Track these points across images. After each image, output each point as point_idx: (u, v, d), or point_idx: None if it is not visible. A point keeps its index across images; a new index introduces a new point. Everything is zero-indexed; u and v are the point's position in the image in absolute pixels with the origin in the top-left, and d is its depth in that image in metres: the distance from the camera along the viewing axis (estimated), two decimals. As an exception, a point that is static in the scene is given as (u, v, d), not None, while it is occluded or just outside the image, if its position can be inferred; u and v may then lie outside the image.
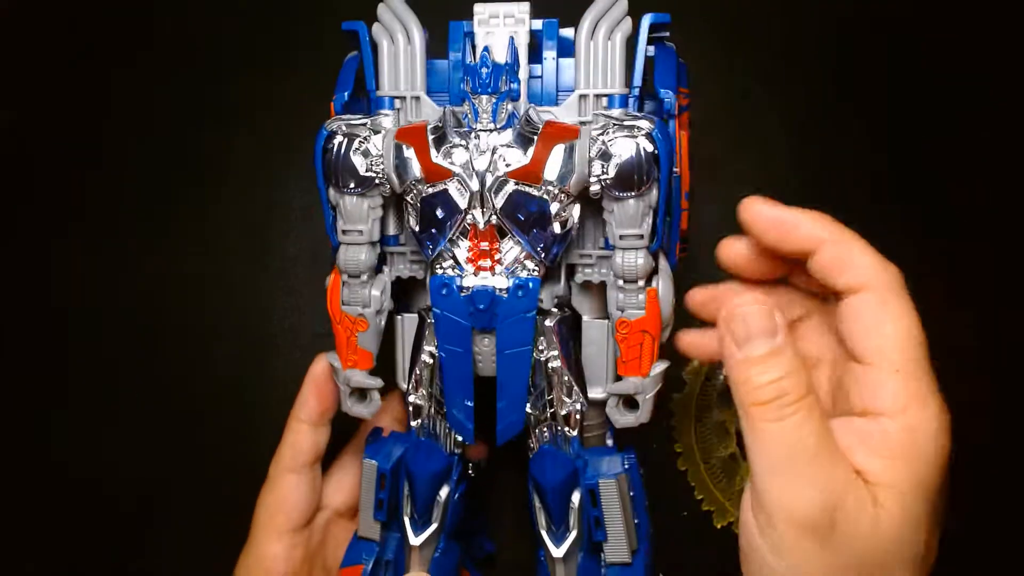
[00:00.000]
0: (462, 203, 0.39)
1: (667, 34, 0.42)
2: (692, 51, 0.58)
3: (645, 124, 0.38)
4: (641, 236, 0.39)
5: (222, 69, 0.58)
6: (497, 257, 0.39)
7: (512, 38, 0.40)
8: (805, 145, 0.57)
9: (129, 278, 0.58)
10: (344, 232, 0.41)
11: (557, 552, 0.42)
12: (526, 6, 0.41)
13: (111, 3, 0.58)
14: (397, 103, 0.42)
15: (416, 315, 0.44)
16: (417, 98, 0.42)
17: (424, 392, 0.42)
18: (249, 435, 0.57)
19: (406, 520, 0.43)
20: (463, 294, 0.39)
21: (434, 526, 0.43)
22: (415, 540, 0.43)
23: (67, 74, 0.59)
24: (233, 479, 0.56)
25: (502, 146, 0.38)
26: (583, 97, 0.41)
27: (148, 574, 0.57)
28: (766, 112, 0.57)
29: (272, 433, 0.56)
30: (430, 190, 0.39)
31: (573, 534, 0.42)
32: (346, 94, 0.42)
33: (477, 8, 0.41)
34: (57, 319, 0.58)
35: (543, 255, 0.39)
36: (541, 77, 0.42)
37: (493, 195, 0.39)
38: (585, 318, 0.43)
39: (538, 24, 0.42)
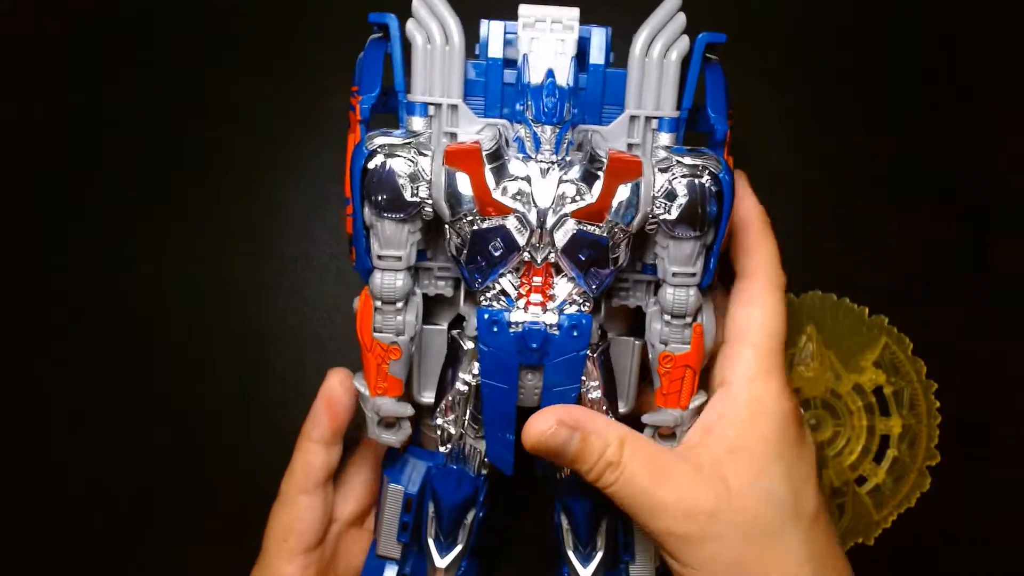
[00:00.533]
0: (521, 240, 0.36)
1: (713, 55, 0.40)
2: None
3: (712, 164, 0.37)
4: (694, 274, 0.38)
5: (222, 67, 0.58)
6: (550, 293, 0.38)
7: (574, 58, 0.36)
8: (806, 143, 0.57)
9: (128, 278, 0.57)
10: (380, 257, 0.38)
11: (585, 573, 0.42)
12: (575, 12, 0.37)
13: (112, 1, 0.58)
14: (431, 110, 0.38)
15: (441, 329, 0.41)
16: (454, 107, 0.38)
17: (455, 417, 0.41)
18: (248, 434, 0.57)
19: (431, 543, 0.42)
20: (512, 330, 0.37)
21: (459, 547, 0.42)
22: (441, 563, 0.42)
23: (67, 73, 0.59)
24: (233, 479, 0.57)
25: (565, 181, 0.36)
26: (634, 119, 0.38)
27: (148, 574, 0.57)
28: (766, 108, 0.57)
29: (271, 432, 0.56)
30: (485, 224, 0.36)
31: (600, 554, 0.42)
32: (375, 95, 0.38)
33: (523, 11, 0.37)
34: (57, 319, 0.58)
35: (595, 291, 0.38)
36: (585, 89, 0.38)
37: (553, 233, 0.36)
38: (610, 334, 0.42)
39: (585, 31, 0.38)
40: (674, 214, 0.37)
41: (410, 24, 0.37)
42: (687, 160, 0.37)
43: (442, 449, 0.41)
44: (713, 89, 0.39)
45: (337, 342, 0.57)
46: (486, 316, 0.37)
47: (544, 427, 0.37)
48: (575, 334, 0.37)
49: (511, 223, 0.36)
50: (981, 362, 0.55)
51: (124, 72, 0.58)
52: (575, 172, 0.36)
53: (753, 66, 0.57)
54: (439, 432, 0.41)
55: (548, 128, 0.35)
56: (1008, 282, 0.56)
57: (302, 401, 0.56)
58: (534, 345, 0.37)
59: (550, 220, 0.36)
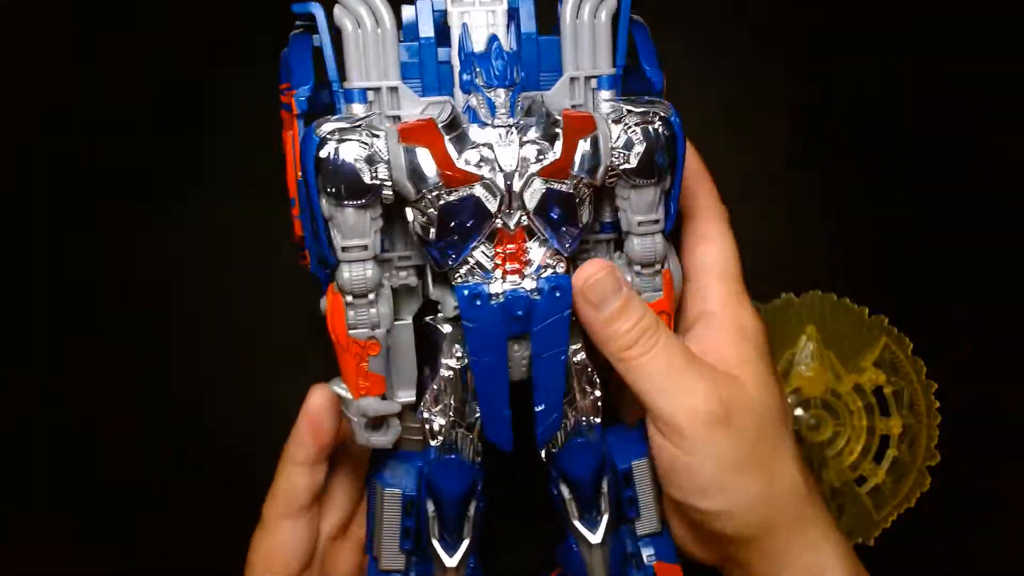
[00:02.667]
0: (492, 207, 0.36)
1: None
2: (692, 51, 0.58)
3: (661, 108, 0.37)
4: (658, 221, 0.39)
5: (222, 67, 0.58)
6: (524, 259, 0.37)
7: (513, 23, 0.37)
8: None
9: (127, 277, 0.57)
10: (345, 249, 0.36)
11: (595, 538, 0.41)
12: None
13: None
14: (370, 95, 0.37)
15: (407, 323, 0.40)
16: (394, 88, 0.37)
17: (442, 407, 0.40)
18: (246, 435, 0.57)
19: (436, 544, 0.41)
20: (494, 301, 0.37)
21: (466, 542, 0.41)
22: (451, 562, 0.41)
23: (66, 73, 0.59)
24: (233, 479, 0.56)
25: (527, 143, 0.36)
26: (574, 80, 0.39)
27: (148, 573, 0.57)
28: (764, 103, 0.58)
29: (269, 434, 0.56)
30: (452, 196, 0.36)
31: (606, 516, 0.41)
32: (309, 86, 0.37)
33: None
34: (57, 318, 0.58)
35: (568, 250, 0.38)
36: (522, 58, 0.38)
37: (523, 195, 0.36)
38: None
39: (513, 2, 0.38)
40: (634, 163, 0.37)
41: (337, 11, 0.37)
42: (637, 108, 0.37)
43: (433, 443, 0.40)
44: (643, 45, 0.40)
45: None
46: (466, 292, 0.37)
47: (594, 269, 0.37)
48: (557, 295, 0.37)
49: (479, 191, 0.36)
50: (981, 362, 0.55)
51: (124, 72, 0.58)
52: (534, 133, 0.36)
53: (753, 64, 0.57)
54: (427, 427, 0.40)
55: (502, 91, 0.35)
56: (1008, 282, 0.56)
57: (301, 401, 0.57)
58: (519, 313, 0.37)
59: (517, 183, 0.36)
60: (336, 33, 0.37)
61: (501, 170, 0.36)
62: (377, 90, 0.37)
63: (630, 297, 0.38)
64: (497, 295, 0.37)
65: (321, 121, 0.36)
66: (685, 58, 0.58)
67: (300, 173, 0.37)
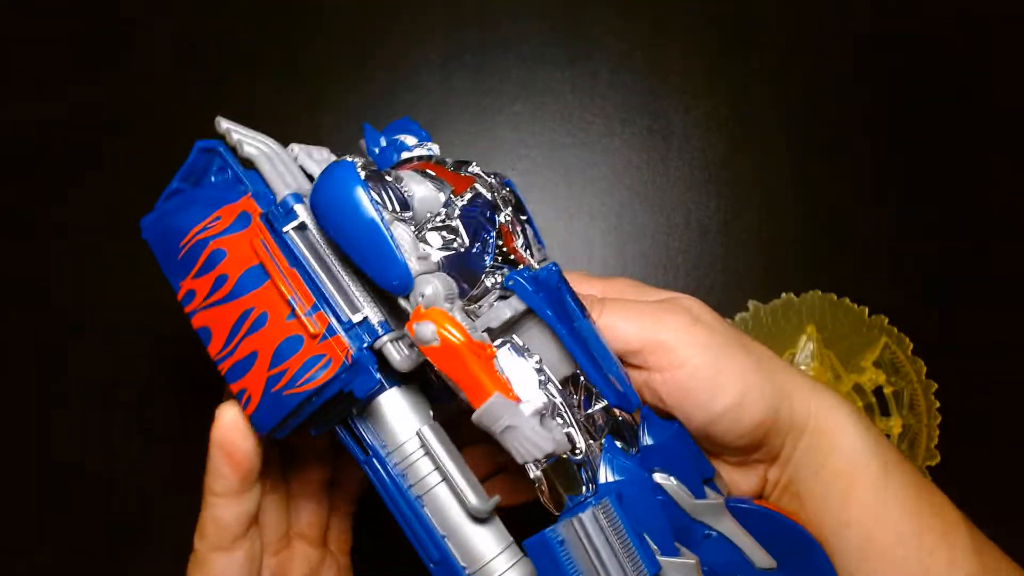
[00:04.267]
0: (494, 197, 0.37)
1: None
2: (691, 50, 0.58)
3: None
4: None
5: (222, 67, 0.58)
6: (522, 243, 0.37)
7: None
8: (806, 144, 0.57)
9: (127, 276, 0.57)
10: (420, 259, 0.35)
11: None
12: None
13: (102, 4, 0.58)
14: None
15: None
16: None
17: (563, 416, 0.35)
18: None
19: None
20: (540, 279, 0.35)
21: None
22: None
23: (65, 73, 0.59)
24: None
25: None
26: None
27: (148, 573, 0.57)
28: (766, 111, 0.58)
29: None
30: (465, 199, 0.36)
31: None
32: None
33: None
34: (57, 318, 0.57)
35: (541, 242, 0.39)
36: None
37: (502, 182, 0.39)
38: None
39: None
40: None
41: (239, 145, 0.38)
42: None
43: (576, 455, 0.34)
44: None
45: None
46: (523, 278, 0.34)
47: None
48: (555, 269, 0.36)
49: (480, 186, 0.37)
50: (981, 362, 0.55)
51: (124, 71, 0.58)
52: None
53: (753, 64, 0.57)
54: (569, 444, 0.34)
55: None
56: (1008, 282, 0.56)
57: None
58: (561, 287, 0.36)
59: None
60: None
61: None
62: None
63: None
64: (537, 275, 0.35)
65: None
66: (690, 61, 0.58)
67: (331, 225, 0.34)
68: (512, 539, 0.35)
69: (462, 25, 0.59)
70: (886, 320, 0.54)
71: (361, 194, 0.33)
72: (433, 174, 0.36)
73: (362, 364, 0.34)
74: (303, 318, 0.34)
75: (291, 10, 0.59)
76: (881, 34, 0.58)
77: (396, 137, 0.40)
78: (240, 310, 0.35)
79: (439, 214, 0.35)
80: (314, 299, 0.35)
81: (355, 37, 0.59)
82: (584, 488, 0.34)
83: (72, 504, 0.55)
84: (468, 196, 0.36)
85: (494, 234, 0.36)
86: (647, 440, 0.36)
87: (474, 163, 0.39)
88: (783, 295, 0.55)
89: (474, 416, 0.32)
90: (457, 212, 0.35)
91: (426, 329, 0.32)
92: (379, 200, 0.34)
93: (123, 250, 0.52)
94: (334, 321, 0.34)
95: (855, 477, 0.38)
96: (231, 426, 0.35)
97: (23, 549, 0.55)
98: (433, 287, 0.33)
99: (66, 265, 0.57)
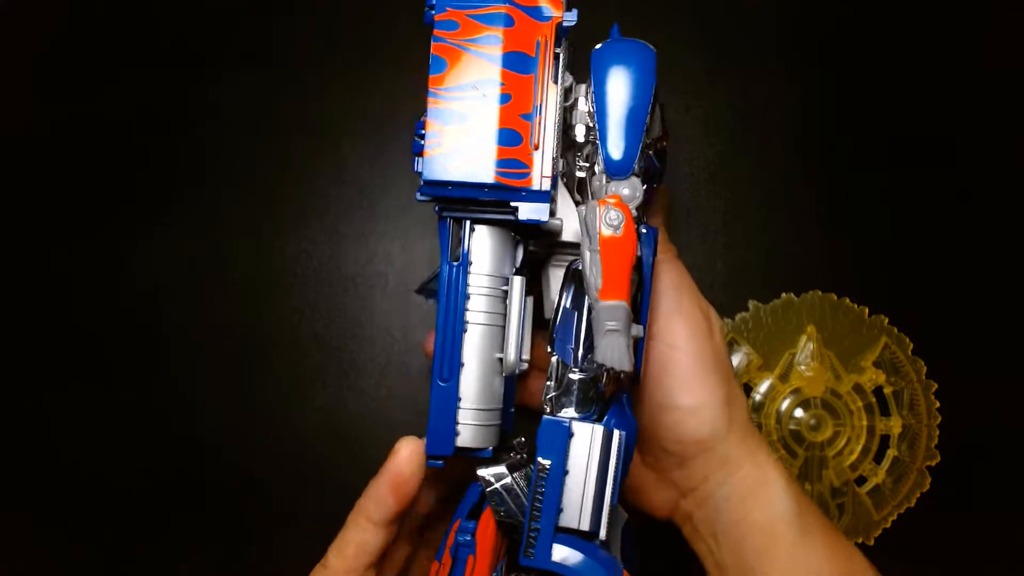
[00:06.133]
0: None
1: None
2: (692, 50, 0.58)
3: None
4: None
5: (222, 67, 0.58)
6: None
7: None
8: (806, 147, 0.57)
9: (127, 277, 0.57)
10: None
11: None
12: None
13: (116, 5, 0.58)
14: None
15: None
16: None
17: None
18: (246, 434, 0.57)
19: None
20: None
21: None
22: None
23: (66, 74, 0.59)
24: (232, 478, 0.56)
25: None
26: None
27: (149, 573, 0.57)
28: (767, 112, 0.57)
29: (270, 433, 0.56)
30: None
31: None
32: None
33: None
34: (58, 317, 0.58)
35: None
36: None
37: None
38: None
39: None
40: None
41: None
42: None
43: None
44: None
45: (337, 341, 0.57)
46: (653, 234, 0.38)
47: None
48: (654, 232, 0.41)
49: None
50: (981, 362, 0.55)
51: (124, 72, 0.58)
52: None
53: (753, 64, 0.57)
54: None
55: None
56: (1008, 282, 0.56)
57: (301, 400, 0.57)
58: None
59: None
60: None
61: None
62: None
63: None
64: None
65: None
66: (690, 62, 0.58)
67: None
68: (508, 406, 0.39)
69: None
70: (886, 320, 0.54)
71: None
72: None
73: (543, 197, 0.35)
74: (536, 126, 0.35)
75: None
76: (881, 34, 0.58)
77: None
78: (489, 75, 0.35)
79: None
80: (543, 128, 0.36)
81: None
82: (591, 413, 0.37)
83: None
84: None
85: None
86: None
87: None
88: (783, 295, 0.55)
89: (598, 305, 0.34)
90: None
91: (618, 216, 0.34)
92: None
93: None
94: (547, 154, 0.35)
95: (775, 536, 0.40)
96: (406, 460, 0.37)
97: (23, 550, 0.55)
98: (633, 188, 0.37)
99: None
